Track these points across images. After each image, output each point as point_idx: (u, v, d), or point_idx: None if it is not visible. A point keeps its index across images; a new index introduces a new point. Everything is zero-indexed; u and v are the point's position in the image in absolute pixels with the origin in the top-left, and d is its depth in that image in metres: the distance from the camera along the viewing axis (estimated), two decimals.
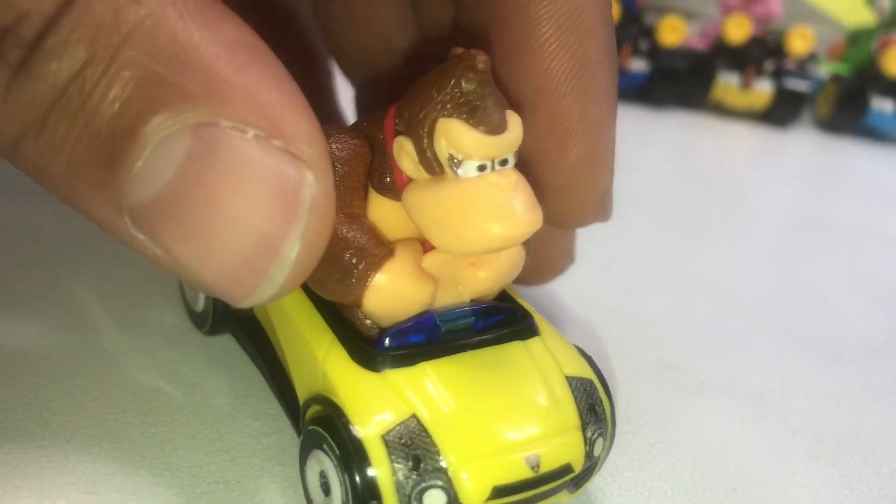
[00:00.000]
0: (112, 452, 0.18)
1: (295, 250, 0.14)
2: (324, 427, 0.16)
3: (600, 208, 0.20)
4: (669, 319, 0.30)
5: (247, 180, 0.13)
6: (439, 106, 0.15)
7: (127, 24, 0.13)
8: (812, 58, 0.69)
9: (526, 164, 0.17)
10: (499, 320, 0.18)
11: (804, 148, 0.66)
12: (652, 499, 0.20)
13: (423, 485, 0.15)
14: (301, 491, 0.18)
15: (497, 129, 0.15)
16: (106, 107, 0.13)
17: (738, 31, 0.64)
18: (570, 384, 0.17)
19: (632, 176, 0.46)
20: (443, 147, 0.15)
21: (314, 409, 0.17)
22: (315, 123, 0.14)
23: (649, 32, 0.65)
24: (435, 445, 0.15)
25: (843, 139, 0.69)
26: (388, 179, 0.16)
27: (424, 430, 0.15)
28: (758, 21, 0.66)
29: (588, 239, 0.37)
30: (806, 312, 0.33)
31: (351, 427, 0.15)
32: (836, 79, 0.71)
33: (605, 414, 0.18)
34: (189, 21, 0.13)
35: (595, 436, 0.17)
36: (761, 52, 0.66)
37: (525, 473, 0.16)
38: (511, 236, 0.15)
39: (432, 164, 0.15)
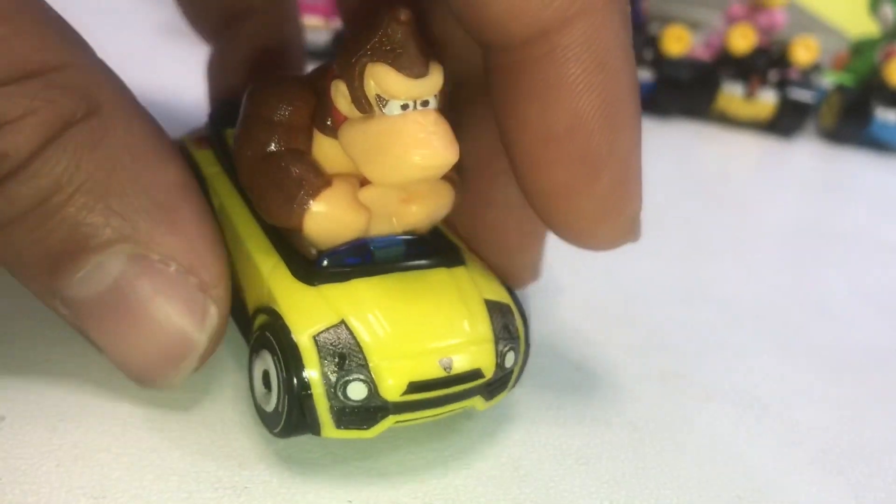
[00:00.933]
0: (120, 457, 0.18)
1: (203, 344, 0.18)
2: (267, 331, 0.18)
3: (631, 231, 0.21)
4: (674, 328, 0.30)
5: (169, 297, 0.18)
6: (369, 52, 0.17)
7: (86, 171, 0.17)
8: (816, 68, 0.69)
9: (557, 193, 0.19)
10: (427, 249, 0.20)
11: (808, 158, 0.66)
12: None
13: (347, 378, 0.17)
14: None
15: (418, 73, 0.17)
16: (59, 233, 0.17)
17: (742, 41, 0.64)
18: (486, 305, 0.20)
19: None
20: (371, 88, 0.17)
21: (260, 318, 0.19)
22: (223, 266, 0.19)
23: (654, 42, 0.65)
24: (359, 346, 0.18)
25: (847, 150, 0.69)
26: (329, 121, 0.18)
27: (351, 333, 0.18)
28: (762, 31, 0.67)
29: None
30: (811, 321, 0.33)
31: (288, 330, 0.18)
32: (839, 89, 0.71)
33: (517, 333, 0.20)
34: (141, 164, 0.17)
35: (506, 349, 0.20)
36: (765, 63, 0.66)
37: (438, 373, 0.18)
38: (429, 166, 0.17)
39: (362, 103, 0.17)
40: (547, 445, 0.22)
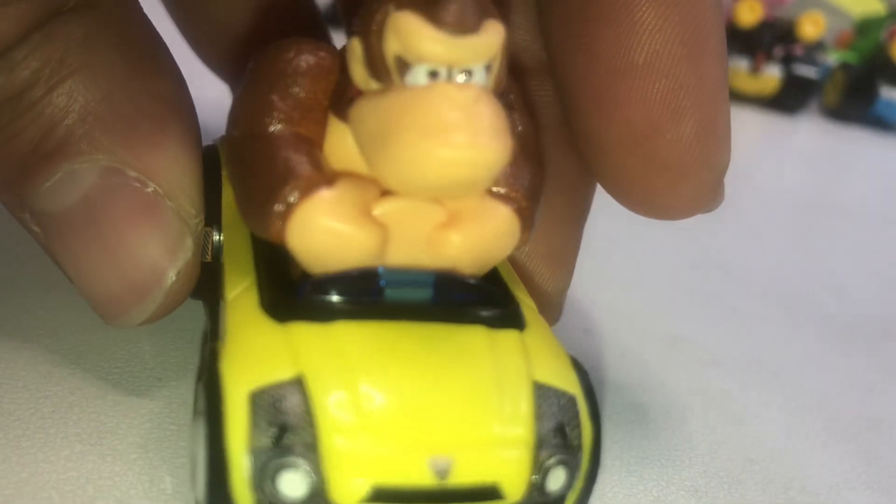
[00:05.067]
0: (117, 406, 0.18)
1: (171, 280, 0.16)
2: (202, 377, 0.13)
3: (715, 191, 0.17)
4: (683, 295, 0.30)
5: (141, 220, 0.15)
6: None
7: (70, 67, 0.15)
8: (819, 46, 0.68)
9: (633, 140, 0.15)
10: (468, 298, 0.14)
11: (812, 135, 0.66)
12: (669, 467, 0.20)
13: (282, 462, 0.12)
14: None
15: (461, 27, 0.11)
16: (31, 132, 0.15)
17: (749, 13, 0.63)
18: (535, 391, 0.13)
19: None
20: (392, 46, 0.12)
21: (204, 356, 0.14)
22: (201, 196, 0.16)
23: None
24: (311, 418, 0.12)
25: (851, 128, 0.69)
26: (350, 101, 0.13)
27: (305, 395, 0.12)
28: (769, 5, 0.66)
29: (599, 215, 0.36)
30: (817, 292, 0.33)
31: (219, 380, 0.12)
32: (844, 67, 0.71)
33: (580, 441, 0.13)
34: (132, 69, 0.15)
35: (553, 462, 0.13)
36: (771, 37, 0.65)
37: (425, 479, 0.12)
38: (457, 161, 0.11)
39: (378, 68, 0.12)
40: None
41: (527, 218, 0.14)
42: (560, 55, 0.16)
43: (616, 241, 0.33)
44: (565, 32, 0.16)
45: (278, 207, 0.13)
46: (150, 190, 0.15)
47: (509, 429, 0.13)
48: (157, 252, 0.16)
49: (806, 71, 0.66)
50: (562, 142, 0.19)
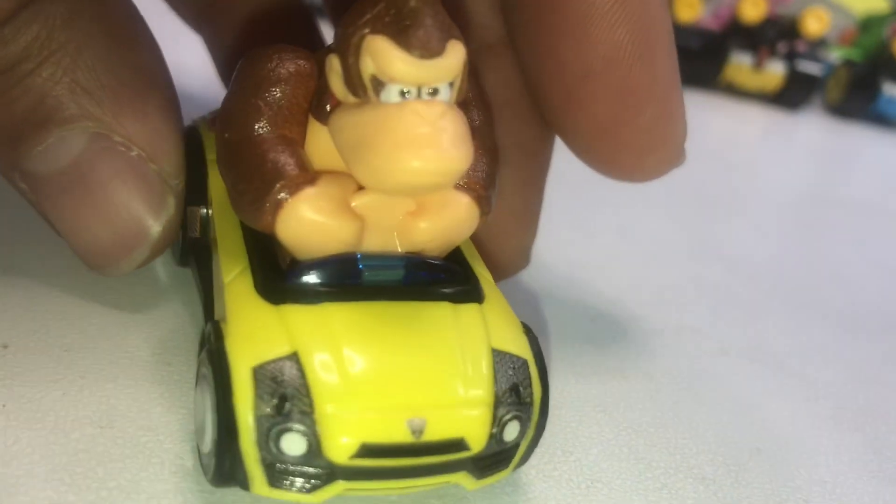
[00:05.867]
0: (127, 389, 0.18)
1: (156, 235, 0.18)
2: (207, 352, 0.15)
3: (676, 156, 0.20)
4: (687, 286, 0.30)
5: (127, 180, 0.17)
6: (371, 21, 0.13)
7: (58, 42, 0.16)
8: (822, 43, 0.68)
9: (599, 131, 0.18)
10: (435, 278, 0.16)
11: (814, 131, 0.66)
12: (677, 454, 0.20)
13: (283, 426, 0.14)
14: None
15: (428, 53, 0.13)
16: (23, 102, 0.16)
17: (753, 9, 0.63)
18: (494, 357, 0.15)
19: None
20: (368, 66, 0.14)
21: (207, 333, 0.16)
22: (182, 158, 0.18)
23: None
24: (307, 388, 0.14)
25: (853, 124, 0.69)
26: (328, 107, 0.15)
27: (301, 369, 0.14)
28: (773, 2, 0.66)
29: (603, 205, 0.36)
30: (821, 284, 0.33)
31: (226, 356, 0.14)
32: (847, 64, 0.71)
33: (531, 399, 0.15)
34: (115, 42, 0.17)
35: (508, 417, 0.15)
36: (775, 33, 0.65)
37: (403, 437, 0.14)
38: (426, 170, 0.13)
39: (356, 85, 0.14)
40: (564, 392, 0.21)
41: (485, 204, 0.16)
42: (529, 60, 0.18)
43: (622, 234, 0.33)
44: (532, 43, 0.18)
45: (269, 204, 0.15)
46: (134, 154, 0.17)
47: (473, 391, 0.15)
48: (141, 208, 0.17)
49: (809, 67, 0.66)
50: (521, 113, 0.21)
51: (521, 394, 0.15)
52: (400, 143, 0.13)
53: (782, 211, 0.44)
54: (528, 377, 0.16)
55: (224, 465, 0.14)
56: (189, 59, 0.30)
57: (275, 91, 0.15)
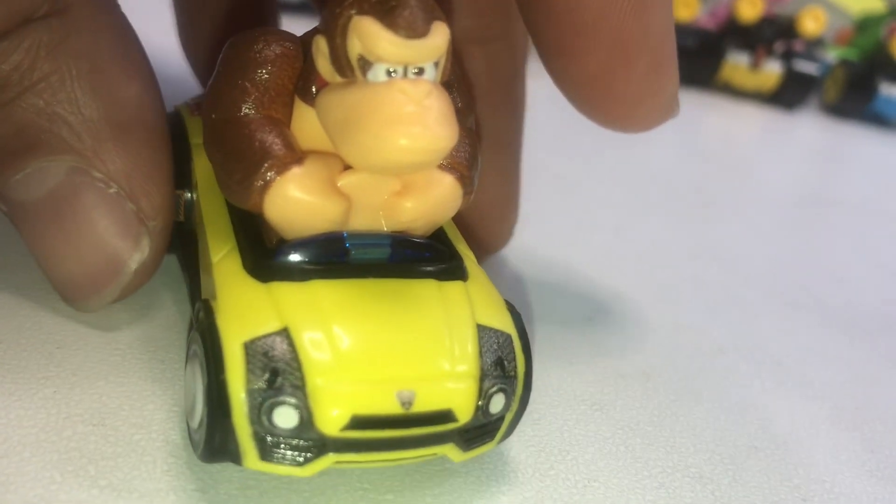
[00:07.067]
0: (119, 387, 0.18)
1: (128, 276, 0.17)
2: (199, 329, 0.15)
3: (669, 108, 0.20)
4: (684, 285, 0.30)
5: (103, 217, 0.17)
6: (357, 2, 0.14)
7: (41, 72, 0.16)
8: (820, 42, 0.68)
9: (593, 82, 0.18)
10: (419, 256, 0.16)
11: (811, 131, 0.66)
12: (674, 454, 0.19)
13: (275, 400, 0.14)
14: None
15: (414, 33, 0.14)
16: (3, 128, 0.16)
17: (750, 9, 0.63)
18: (479, 332, 0.16)
19: (643, 149, 0.46)
20: (355, 47, 0.14)
21: (198, 311, 0.16)
22: (165, 198, 0.18)
23: None
24: (298, 362, 0.14)
25: (850, 124, 0.68)
26: (314, 88, 0.15)
27: (291, 344, 0.14)
28: (769, 1, 0.66)
29: (601, 205, 0.36)
30: (819, 284, 0.33)
31: (217, 332, 0.15)
32: (844, 63, 0.71)
33: (515, 372, 0.16)
34: (101, 75, 0.16)
35: (494, 390, 0.15)
36: (772, 33, 0.65)
37: (393, 408, 0.14)
38: (414, 148, 0.13)
39: (342, 65, 0.14)
40: (559, 390, 0.21)
41: (468, 184, 0.17)
42: (526, 13, 0.19)
43: (619, 232, 0.33)
44: None
45: (257, 184, 0.15)
46: (112, 191, 0.17)
47: (459, 365, 0.15)
48: (114, 248, 0.17)
49: (806, 67, 0.65)
50: (494, 105, 0.22)
51: (505, 367, 0.16)
52: (387, 121, 0.13)
53: (779, 210, 0.43)
54: (513, 351, 0.16)
55: (214, 440, 0.14)
56: (173, 43, 0.29)
57: (261, 72, 0.15)
